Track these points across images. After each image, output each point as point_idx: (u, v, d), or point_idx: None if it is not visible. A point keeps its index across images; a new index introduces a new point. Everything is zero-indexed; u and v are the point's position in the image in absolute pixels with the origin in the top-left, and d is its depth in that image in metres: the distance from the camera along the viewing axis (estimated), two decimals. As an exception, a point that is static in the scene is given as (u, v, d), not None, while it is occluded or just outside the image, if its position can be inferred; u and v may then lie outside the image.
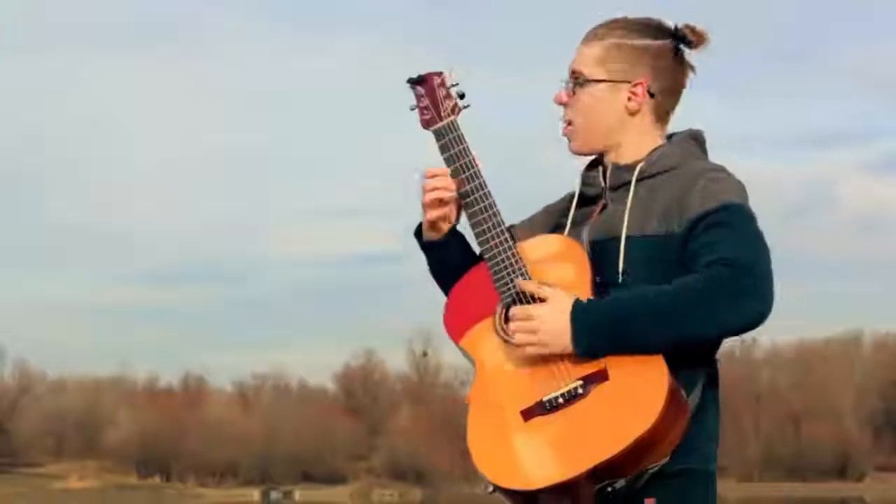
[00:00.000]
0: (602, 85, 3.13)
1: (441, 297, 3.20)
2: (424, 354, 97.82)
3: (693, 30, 3.16)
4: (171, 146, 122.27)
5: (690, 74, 3.19)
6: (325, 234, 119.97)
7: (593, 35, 3.17)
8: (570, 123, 3.18)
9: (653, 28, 3.17)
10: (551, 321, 2.95)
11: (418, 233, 3.28)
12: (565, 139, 3.21)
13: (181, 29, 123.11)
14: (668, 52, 3.15)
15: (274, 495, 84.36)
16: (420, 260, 3.28)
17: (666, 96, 3.16)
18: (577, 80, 3.15)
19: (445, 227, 3.21)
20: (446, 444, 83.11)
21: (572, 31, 3.20)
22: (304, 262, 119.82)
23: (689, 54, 3.18)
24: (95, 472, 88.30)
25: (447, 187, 3.14)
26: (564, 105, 3.19)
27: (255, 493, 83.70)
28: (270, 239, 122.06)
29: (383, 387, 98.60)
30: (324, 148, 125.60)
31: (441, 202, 3.17)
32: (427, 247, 3.26)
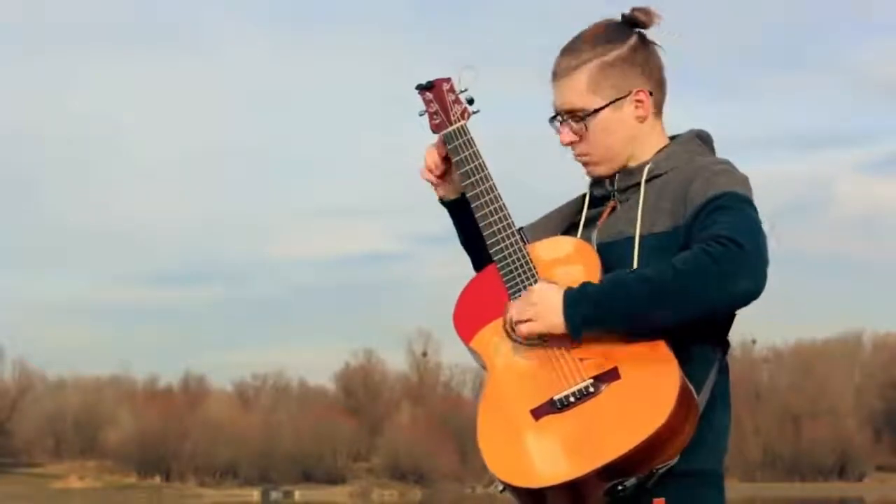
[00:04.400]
0: (606, 110, 3.12)
1: (442, 296, 3.20)
2: (424, 354, 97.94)
3: (641, 10, 3.15)
4: (171, 146, 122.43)
5: (662, 55, 3.18)
6: (325, 234, 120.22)
7: (566, 68, 3.14)
8: (587, 155, 3.17)
9: (611, 31, 3.14)
10: (546, 298, 2.95)
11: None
12: (584, 170, 3.21)
13: (181, 29, 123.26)
14: (640, 46, 3.14)
15: (274, 495, 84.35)
16: (419, 260, 3.29)
17: (658, 89, 3.17)
18: (580, 116, 3.14)
19: (451, 188, 3.27)
20: (446, 444, 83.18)
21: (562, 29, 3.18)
22: (304, 262, 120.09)
23: (651, 33, 3.16)
24: (95, 472, 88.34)
25: (430, 165, 3.25)
26: (573, 144, 3.18)
27: (255, 493, 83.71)
28: (270, 239, 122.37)
29: (383, 387, 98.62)
30: (324, 148, 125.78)
31: (431, 174, 3.27)
32: (448, 208, 3.31)
